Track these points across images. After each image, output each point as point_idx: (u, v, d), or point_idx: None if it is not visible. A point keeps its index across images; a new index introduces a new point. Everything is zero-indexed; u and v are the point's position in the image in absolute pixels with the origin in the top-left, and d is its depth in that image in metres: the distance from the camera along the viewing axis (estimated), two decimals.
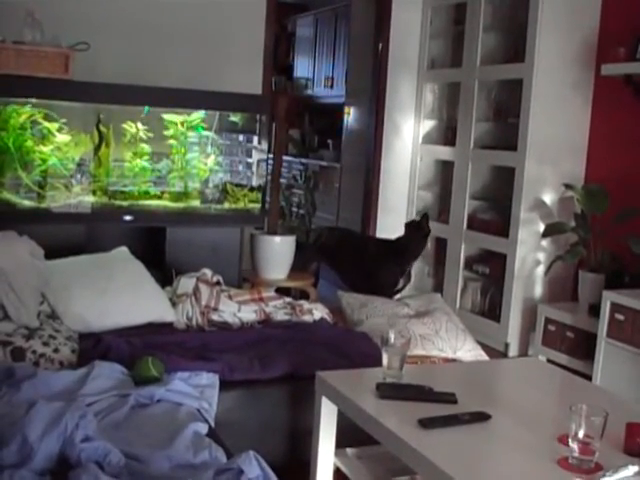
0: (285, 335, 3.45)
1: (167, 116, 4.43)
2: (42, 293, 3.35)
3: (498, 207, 5.26)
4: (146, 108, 4.34)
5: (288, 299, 3.88)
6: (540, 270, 5.01)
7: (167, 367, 2.87)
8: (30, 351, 2.98)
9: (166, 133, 4.45)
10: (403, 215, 6.06)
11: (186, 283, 3.73)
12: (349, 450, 2.92)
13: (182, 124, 4.45)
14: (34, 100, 4.11)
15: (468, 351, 3.76)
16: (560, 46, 4.83)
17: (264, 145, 4.81)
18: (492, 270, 5.31)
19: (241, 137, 4.80)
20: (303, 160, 8.20)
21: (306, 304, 3.85)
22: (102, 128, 4.30)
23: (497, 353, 4.95)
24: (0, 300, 3.10)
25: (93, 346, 3.18)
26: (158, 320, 3.60)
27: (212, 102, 4.53)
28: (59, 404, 2.20)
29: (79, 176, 4.27)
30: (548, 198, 4.94)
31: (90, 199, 4.29)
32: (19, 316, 3.13)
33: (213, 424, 2.64)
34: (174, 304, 3.67)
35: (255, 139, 4.78)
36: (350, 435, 2.88)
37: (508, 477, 2.19)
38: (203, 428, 2.45)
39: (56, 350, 3.00)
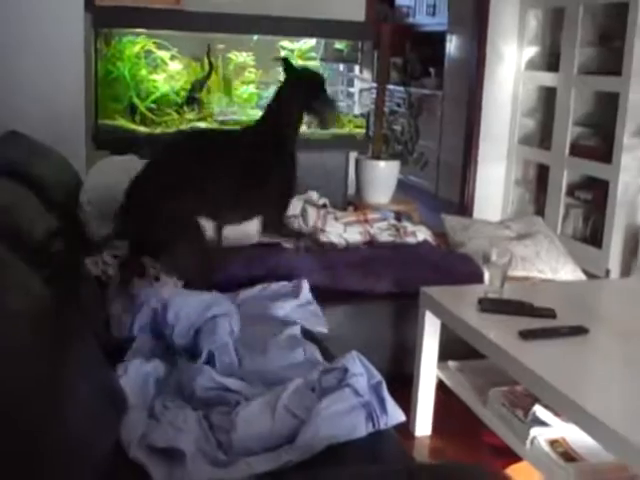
0: (389, 255, 3.57)
1: (282, 43, 4.53)
2: None
3: (601, 133, 5.23)
4: (255, 36, 4.45)
5: (393, 221, 3.98)
6: None
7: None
8: (150, 267, 3.17)
9: (274, 61, 4.55)
10: (505, 143, 6.07)
11: (294, 205, 3.85)
12: (451, 363, 3.04)
13: (292, 52, 4.56)
14: (147, 30, 4.27)
15: (568, 273, 3.81)
16: None
17: (367, 73, 4.88)
18: (594, 196, 5.30)
19: (346, 65, 4.88)
20: (406, 88, 8.22)
21: (410, 226, 3.94)
22: (212, 57, 4.43)
23: (598, 278, 4.98)
24: None
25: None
26: (266, 240, 3.74)
27: (317, 30, 4.61)
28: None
29: (190, 103, 4.43)
30: None
31: (201, 125, 4.45)
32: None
33: (325, 330, 2.79)
34: None
35: (359, 67, 4.85)
36: (451, 350, 3.01)
37: (605, 385, 2.29)
38: (296, 330, 2.61)
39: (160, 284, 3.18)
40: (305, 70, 3.64)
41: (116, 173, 3.37)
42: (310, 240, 3.71)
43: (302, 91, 3.29)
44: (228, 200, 3.12)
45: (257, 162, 3.15)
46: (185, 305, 2.46)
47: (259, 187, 3.17)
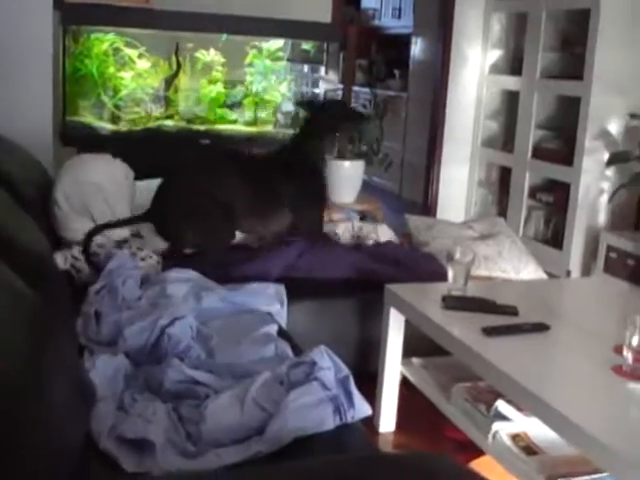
0: (355, 251, 3.63)
1: (250, 43, 4.58)
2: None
3: (563, 136, 5.31)
4: (224, 36, 4.48)
5: (358, 223, 4.03)
6: (604, 199, 5.06)
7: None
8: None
9: (242, 61, 4.61)
10: (469, 145, 6.14)
11: None
12: (415, 360, 3.08)
13: (260, 52, 4.61)
14: (116, 28, 4.29)
15: (530, 273, 3.88)
16: None
17: (333, 74, 4.93)
18: (556, 198, 5.37)
19: (312, 66, 4.93)
20: (371, 89, 8.30)
21: (374, 226, 4.00)
22: (180, 55, 4.46)
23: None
24: (94, 216, 3.33)
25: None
26: (233, 241, 3.77)
27: (285, 30, 4.65)
28: None
29: (158, 101, 4.45)
30: (613, 127, 4.98)
31: (169, 123, 4.47)
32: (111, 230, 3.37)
33: (284, 325, 2.83)
34: None
35: (325, 68, 4.90)
36: (415, 347, 3.06)
37: (566, 380, 2.35)
38: (273, 328, 2.65)
39: (143, 259, 3.22)
40: (327, 102, 3.91)
41: (91, 170, 3.41)
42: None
43: (326, 120, 3.73)
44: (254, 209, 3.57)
45: (283, 179, 3.58)
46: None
47: (287, 197, 3.58)
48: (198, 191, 3.46)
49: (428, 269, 3.46)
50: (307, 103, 3.96)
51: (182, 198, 3.47)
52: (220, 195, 3.46)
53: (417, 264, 3.52)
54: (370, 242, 3.87)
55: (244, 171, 3.59)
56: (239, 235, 3.70)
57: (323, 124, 3.73)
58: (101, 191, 3.37)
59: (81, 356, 2.38)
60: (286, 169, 3.61)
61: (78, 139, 4.23)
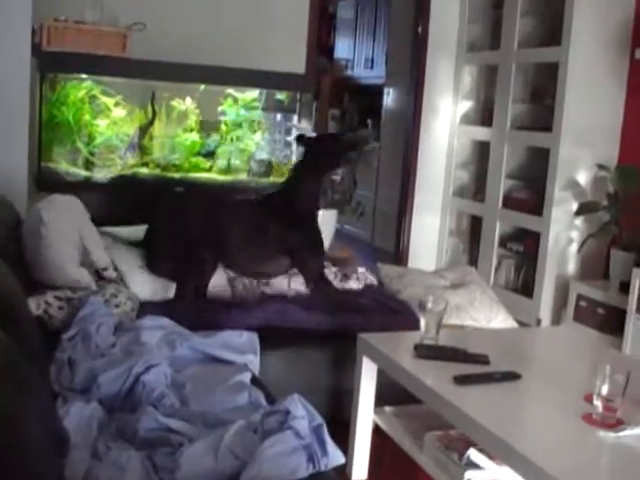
0: (330, 299, 3.68)
1: (226, 92, 4.66)
2: (112, 260, 3.57)
3: (533, 186, 5.38)
4: (202, 85, 4.54)
5: (335, 269, 4.07)
6: (573, 248, 5.12)
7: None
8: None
9: (216, 110, 4.65)
10: (440, 194, 6.20)
11: None
12: (387, 408, 3.10)
13: (235, 102, 4.66)
14: (93, 76, 4.33)
15: (501, 322, 3.91)
16: (596, 30, 4.91)
17: (306, 123, 4.98)
18: (526, 248, 5.43)
19: (285, 115, 4.98)
20: None
21: (352, 272, 4.05)
22: (156, 103, 4.50)
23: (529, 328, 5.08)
24: (85, 244, 3.36)
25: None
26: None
27: (260, 80, 4.70)
28: None
29: (133, 149, 4.48)
30: (582, 178, 5.05)
31: (143, 171, 4.50)
32: (99, 256, 3.46)
33: (257, 373, 2.84)
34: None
35: (298, 117, 4.95)
36: (387, 395, 3.07)
37: (537, 429, 2.38)
38: (246, 377, 2.66)
39: (117, 306, 3.22)
40: (322, 137, 3.95)
41: (68, 202, 3.44)
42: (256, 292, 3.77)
43: (328, 155, 3.85)
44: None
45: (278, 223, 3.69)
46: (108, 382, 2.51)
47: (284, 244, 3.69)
48: (188, 228, 3.59)
49: (401, 318, 3.50)
50: (306, 139, 4.04)
51: (170, 233, 3.62)
52: (213, 234, 3.58)
53: (390, 313, 3.57)
54: (354, 287, 3.93)
55: (243, 214, 3.75)
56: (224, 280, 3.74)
57: (325, 160, 3.84)
58: (81, 221, 3.42)
59: (55, 403, 2.38)
60: (283, 215, 3.72)
61: (53, 185, 4.24)
